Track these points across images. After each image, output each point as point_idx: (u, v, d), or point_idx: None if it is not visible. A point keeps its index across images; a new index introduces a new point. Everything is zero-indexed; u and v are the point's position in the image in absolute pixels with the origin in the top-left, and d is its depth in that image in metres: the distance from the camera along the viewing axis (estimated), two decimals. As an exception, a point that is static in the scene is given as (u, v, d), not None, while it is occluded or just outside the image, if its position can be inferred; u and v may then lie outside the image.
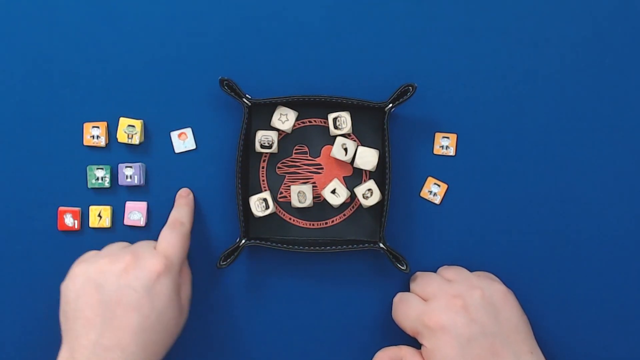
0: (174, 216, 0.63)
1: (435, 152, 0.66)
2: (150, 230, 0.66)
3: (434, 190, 0.66)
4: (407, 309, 0.61)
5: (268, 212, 0.63)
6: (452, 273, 0.62)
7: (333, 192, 0.63)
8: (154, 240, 0.62)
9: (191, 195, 0.65)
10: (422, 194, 0.66)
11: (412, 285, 0.63)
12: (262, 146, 0.64)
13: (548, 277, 0.66)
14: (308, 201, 0.64)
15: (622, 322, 0.66)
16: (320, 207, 0.65)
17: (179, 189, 0.65)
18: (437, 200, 0.66)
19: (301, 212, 0.66)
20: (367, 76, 0.66)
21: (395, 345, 0.62)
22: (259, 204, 0.63)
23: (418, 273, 0.64)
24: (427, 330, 0.58)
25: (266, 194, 0.63)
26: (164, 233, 0.61)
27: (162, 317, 0.57)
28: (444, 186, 0.66)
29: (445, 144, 0.66)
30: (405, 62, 0.66)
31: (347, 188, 0.64)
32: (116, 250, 0.61)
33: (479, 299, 0.58)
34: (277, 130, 0.64)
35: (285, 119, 0.64)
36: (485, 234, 0.66)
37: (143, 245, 0.61)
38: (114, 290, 0.57)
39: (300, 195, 0.64)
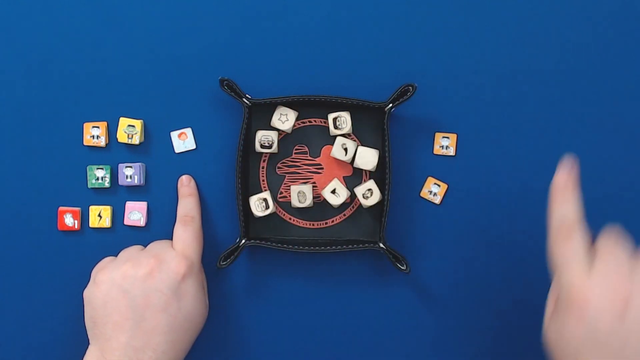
0: (183, 211, 0.64)
1: (435, 152, 0.66)
2: (150, 230, 0.66)
3: (434, 190, 0.66)
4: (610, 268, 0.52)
5: (268, 212, 0.63)
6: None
7: (333, 192, 0.63)
8: (168, 240, 0.63)
9: (193, 182, 0.65)
10: (422, 194, 0.66)
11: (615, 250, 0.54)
12: (262, 146, 0.64)
13: (548, 277, 0.66)
14: (308, 201, 0.64)
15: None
16: (320, 207, 0.65)
17: (180, 178, 0.65)
18: (437, 200, 0.66)
19: (301, 212, 0.66)
20: (367, 76, 0.66)
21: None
22: (259, 204, 0.63)
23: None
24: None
25: (266, 194, 0.63)
26: (178, 232, 0.62)
27: (189, 316, 0.59)
28: (444, 186, 0.66)
29: (445, 144, 0.66)
30: (405, 62, 0.66)
31: (347, 188, 0.64)
32: (135, 254, 0.61)
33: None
34: (277, 130, 0.64)
35: (285, 119, 0.64)
36: (485, 234, 0.66)
37: (162, 248, 0.62)
38: (141, 295, 0.58)
39: (300, 195, 0.64)
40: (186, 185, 0.65)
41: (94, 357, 0.58)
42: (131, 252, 0.62)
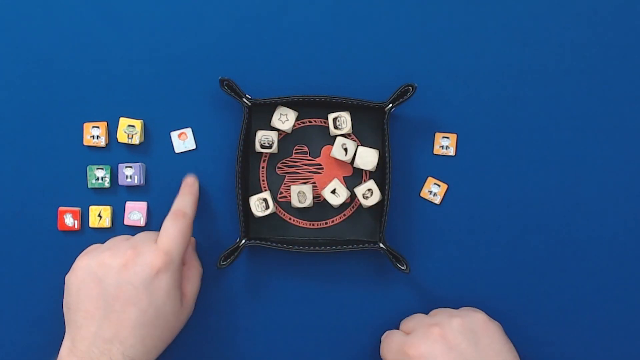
0: (177, 205, 0.62)
1: (435, 152, 0.66)
2: (150, 230, 0.66)
3: (434, 190, 0.66)
4: (389, 343, 0.61)
5: (268, 212, 0.63)
6: (437, 310, 0.63)
7: (333, 192, 0.63)
8: (157, 232, 0.62)
9: (197, 185, 0.64)
10: (422, 194, 0.66)
11: (400, 325, 0.64)
12: (262, 146, 0.64)
13: (548, 277, 0.66)
14: (308, 201, 0.64)
15: (624, 323, 0.66)
16: (320, 207, 0.65)
17: (186, 177, 0.65)
18: (437, 200, 0.66)
19: (301, 212, 0.66)
20: (367, 76, 0.66)
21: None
22: (259, 204, 0.63)
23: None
24: None
25: (266, 194, 0.63)
26: (166, 225, 0.61)
27: (160, 313, 0.58)
28: (444, 186, 0.66)
29: (445, 144, 0.66)
30: (405, 62, 0.66)
31: (347, 188, 0.64)
32: (117, 243, 0.61)
33: (457, 327, 0.58)
34: (277, 130, 0.64)
35: (285, 119, 0.64)
36: (485, 234, 0.66)
37: (144, 239, 0.61)
38: (114, 285, 0.57)
39: (300, 195, 0.64)
40: (190, 185, 0.64)
41: (65, 346, 0.58)
42: (115, 241, 0.62)
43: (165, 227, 0.61)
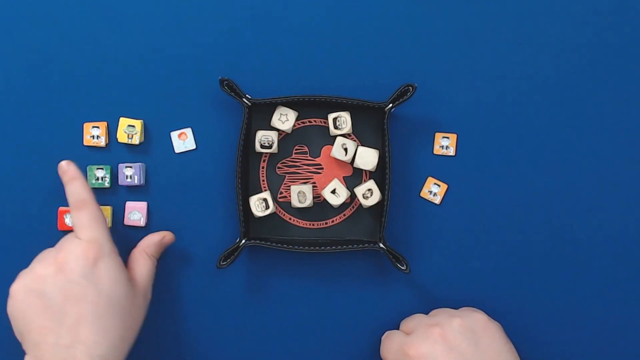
0: (72, 197, 0.60)
1: (435, 152, 0.66)
2: (150, 230, 0.66)
3: (434, 190, 0.66)
4: (390, 343, 0.61)
5: (268, 212, 0.63)
6: (437, 310, 0.63)
7: (333, 192, 0.63)
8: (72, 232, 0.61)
9: (73, 165, 0.61)
10: (422, 194, 0.66)
11: (400, 325, 0.64)
12: (262, 146, 0.64)
13: (548, 277, 0.66)
14: (308, 201, 0.64)
15: (624, 323, 0.66)
16: (320, 207, 0.65)
17: (59, 165, 0.61)
18: (437, 200, 0.66)
19: (301, 212, 0.66)
20: (367, 76, 0.66)
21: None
22: (259, 204, 0.63)
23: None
24: None
25: (266, 194, 0.63)
26: (74, 219, 0.59)
27: (112, 300, 0.57)
28: (444, 186, 0.66)
29: (445, 144, 0.66)
30: (405, 62, 0.66)
31: (347, 188, 0.64)
32: (42, 256, 0.60)
33: (457, 327, 0.58)
34: (277, 130, 0.64)
35: (285, 119, 0.64)
36: (485, 234, 0.66)
37: (66, 240, 0.60)
38: (57, 291, 0.56)
39: (300, 195, 0.64)
40: (66, 170, 0.61)
41: None
42: (40, 256, 0.61)
43: (75, 222, 0.59)
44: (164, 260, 0.66)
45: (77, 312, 0.56)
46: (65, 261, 0.57)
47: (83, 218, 0.59)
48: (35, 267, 0.58)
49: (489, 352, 0.58)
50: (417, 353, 0.57)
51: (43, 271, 0.57)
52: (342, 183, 0.64)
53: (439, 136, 0.66)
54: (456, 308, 0.63)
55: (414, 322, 0.62)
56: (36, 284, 0.57)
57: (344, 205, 0.65)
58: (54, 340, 0.55)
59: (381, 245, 0.63)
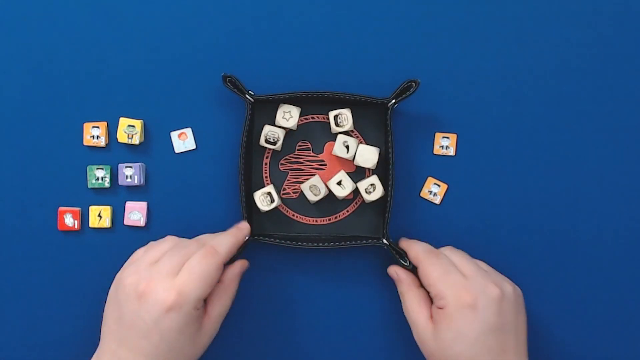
0: (214, 241, 0.59)
1: (435, 152, 0.66)
2: (150, 230, 0.66)
3: (434, 190, 0.66)
4: (445, 273, 0.59)
5: (274, 205, 0.63)
6: (478, 262, 0.63)
7: (339, 183, 0.63)
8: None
9: (246, 231, 0.62)
10: (422, 194, 0.66)
11: (446, 252, 0.62)
12: (267, 141, 0.64)
13: (548, 276, 0.66)
14: (323, 191, 0.63)
15: (624, 322, 0.66)
16: (324, 203, 0.65)
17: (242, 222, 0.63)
18: (437, 200, 0.66)
19: (304, 209, 0.65)
20: (368, 75, 0.66)
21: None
22: (264, 198, 0.63)
23: (443, 248, 0.63)
24: (457, 301, 0.57)
25: (270, 188, 0.63)
26: (195, 260, 0.57)
27: (173, 347, 0.56)
28: (444, 186, 0.66)
29: (445, 144, 0.66)
30: (405, 61, 0.66)
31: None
32: (158, 253, 0.59)
33: (511, 295, 0.59)
34: (283, 128, 0.64)
35: (289, 116, 0.63)
36: (485, 234, 0.66)
37: (169, 266, 0.57)
38: (129, 315, 0.56)
39: (313, 189, 0.63)
40: (239, 229, 0.62)
41: (98, 353, 0.58)
42: (163, 246, 0.60)
43: (190, 264, 0.57)
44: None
45: (138, 343, 0.56)
46: (147, 296, 0.56)
47: (198, 266, 0.57)
48: (126, 271, 0.58)
49: (521, 327, 0.59)
50: (472, 302, 0.57)
51: (129, 282, 0.57)
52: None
53: (439, 136, 0.66)
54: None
55: (470, 267, 0.60)
56: (120, 291, 0.57)
57: (347, 201, 0.65)
58: (115, 348, 0.57)
59: (384, 241, 0.63)
